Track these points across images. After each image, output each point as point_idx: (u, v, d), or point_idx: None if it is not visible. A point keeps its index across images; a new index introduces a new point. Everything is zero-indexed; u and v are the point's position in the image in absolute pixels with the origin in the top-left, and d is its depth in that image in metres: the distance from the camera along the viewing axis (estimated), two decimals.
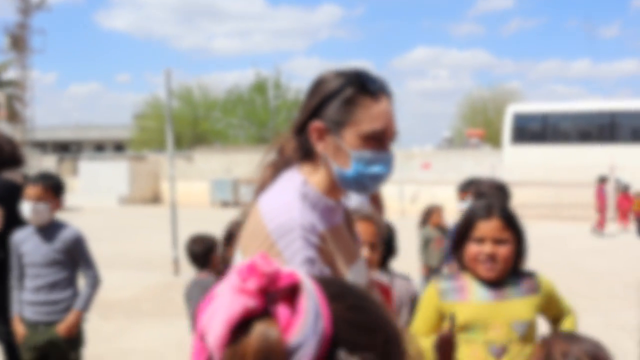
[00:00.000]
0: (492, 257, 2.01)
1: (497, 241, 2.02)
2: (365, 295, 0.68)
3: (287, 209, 1.34)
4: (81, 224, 11.06)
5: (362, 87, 1.39)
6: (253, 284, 0.59)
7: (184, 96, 34.97)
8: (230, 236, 2.97)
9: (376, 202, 4.14)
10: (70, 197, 22.83)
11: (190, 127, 34.04)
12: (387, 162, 1.41)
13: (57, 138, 47.66)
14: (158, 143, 34.10)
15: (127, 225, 15.75)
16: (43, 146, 44.22)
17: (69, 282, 3.31)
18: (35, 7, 30.91)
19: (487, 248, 2.01)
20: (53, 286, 3.24)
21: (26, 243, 3.27)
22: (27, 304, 3.27)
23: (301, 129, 1.43)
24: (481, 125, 35.17)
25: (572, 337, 1.58)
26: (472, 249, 2.05)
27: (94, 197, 22.69)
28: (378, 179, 1.41)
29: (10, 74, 34.49)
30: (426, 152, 24.35)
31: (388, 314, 0.68)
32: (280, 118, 33.88)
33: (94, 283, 3.33)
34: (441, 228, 5.76)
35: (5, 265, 3.45)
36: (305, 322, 0.58)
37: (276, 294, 0.60)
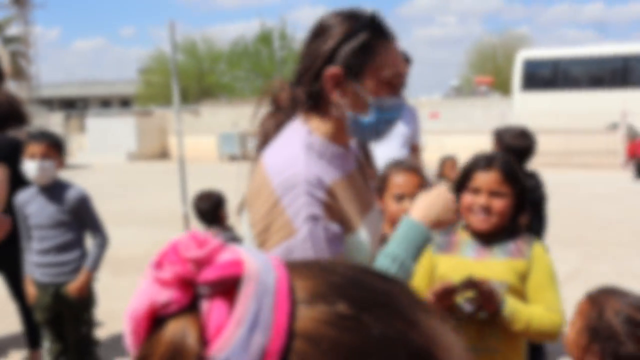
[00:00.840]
0: (486, 209, 1.97)
1: (494, 193, 1.98)
2: (374, 295, 0.46)
3: (291, 162, 1.29)
4: (91, 181, 11.09)
5: (379, 29, 1.34)
6: (168, 272, 0.44)
7: (189, 49, 34.56)
8: None
9: (416, 153, 4.14)
10: (80, 155, 22.92)
11: (196, 80, 33.77)
12: (400, 107, 1.39)
13: (63, 95, 47.48)
14: (164, 98, 33.92)
15: (136, 182, 15.80)
16: (49, 103, 44.11)
17: (77, 243, 3.29)
18: None
19: (481, 199, 1.98)
20: (61, 248, 3.22)
21: (31, 204, 3.23)
22: (35, 266, 3.26)
23: (313, 77, 1.34)
24: (490, 73, 34.67)
25: (619, 293, 1.49)
26: (467, 199, 2.01)
27: (103, 154, 22.73)
28: (393, 123, 1.40)
29: (13, 30, 34.16)
30: (434, 101, 24.10)
31: (412, 321, 0.45)
32: (287, 69, 33.49)
33: (102, 243, 3.31)
34: (451, 179, 5.70)
35: (14, 227, 3.45)
36: (235, 332, 0.42)
37: (211, 287, 0.44)
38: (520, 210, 2.03)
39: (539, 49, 22.00)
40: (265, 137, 1.43)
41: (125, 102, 45.58)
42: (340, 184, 1.33)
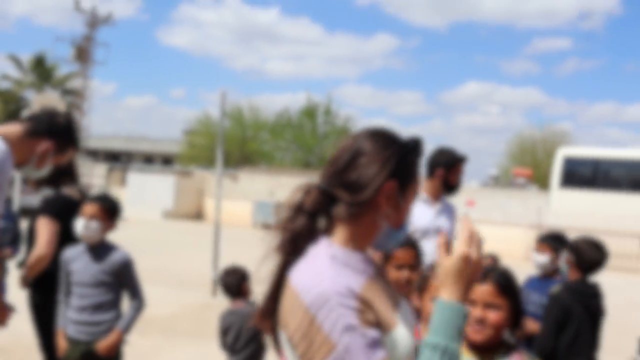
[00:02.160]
0: (480, 321, 1.98)
1: (488, 305, 2.00)
2: None
3: (319, 277, 1.33)
4: (126, 235, 11.28)
5: (419, 152, 1.47)
6: None
7: (235, 116, 35.57)
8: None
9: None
10: None
11: (238, 146, 34.55)
12: (408, 221, 1.50)
13: (108, 147, 49.01)
14: (205, 159, 34.70)
15: (170, 240, 16.02)
16: (95, 154, 45.51)
17: (113, 304, 3.39)
18: (102, 22, 32.17)
19: (476, 311, 2.00)
20: (97, 307, 3.32)
21: (76, 261, 3.37)
22: (70, 322, 3.36)
23: (373, 189, 1.40)
24: (529, 165, 34.58)
25: None
26: None
27: (140, 209, 23.17)
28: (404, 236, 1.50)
29: (72, 83, 35.86)
30: (471, 189, 24.07)
31: None
32: (328, 144, 34.06)
33: (139, 307, 3.43)
34: None
35: (54, 279, 3.58)
36: None
37: None
38: (517, 324, 2.05)
39: (580, 147, 22.01)
40: (293, 240, 1.45)
41: (167, 160, 46.73)
42: (369, 287, 1.37)
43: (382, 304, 1.38)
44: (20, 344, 5.08)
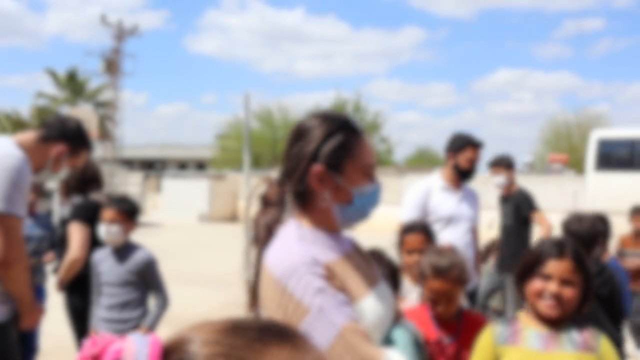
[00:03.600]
0: (557, 297, 1.96)
1: (565, 282, 1.97)
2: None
3: (287, 252, 1.43)
4: (163, 239, 11.51)
5: (352, 128, 1.54)
6: None
7: (264, 117, 35.83)
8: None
9: (475, 235, 4.20)
10: (154, 213, 23.85)
11: (270, 147, 34.80)
12: (379, 189, 1.56)
13: (143, 156, 49.88)
14: (238, 163, 35.01)
15: (206, 243, 16.27)
16: (130, 163, 46.38)
17: (140, 302, 3.52)
18: (128, 33, 32.75)
19: (552, 286, 1.96)
20: (125, 305, 3.46)
21: (103, 263, 3.52)
22: (100, 320, 3.51)
23: (299, 176, 1.51)
24: (565, 151, 33.96)
25: None
26: (536, 284, 2.00)
27: (176, 214, 23.56)
28: (376, 204, 1.57)
29: (104, 95, 36.63)
30: None
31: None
32: None
33: (163, 304, 3.55)
34: None
35: (88, 281, 3.73)
36: None
37: None
38: (586, 299, 2.02)
39: (615, 128, 21.53)
40: (263, 242, 1.56)
41: (201, 165, 47.33)
42: (338, 263, 1.46)
43: (351, 277, 1.46)
44: (62, 346, 5.26)
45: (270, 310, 1.40)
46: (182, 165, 49.63)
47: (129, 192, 24.01)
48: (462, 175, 3.96)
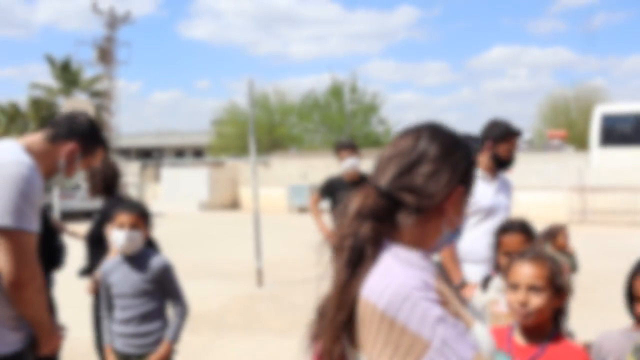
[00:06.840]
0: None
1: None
2: None
3: (389, 278, 1.18)
4: (164, 230, 11.35)
5: (472, 150, 1.42)
6: None
7: (261, 102, 35.53)
8: None
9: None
10: (154, 203, 23.67)
11: (267, 132, 34.54)
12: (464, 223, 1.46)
13: (140, 145, 49.57)
14: (236, 148, 34.80)
15: (209, 232, 16.11)
16: (127, 153, 46.08)
17: (159, 313, 3.24)
18: (121, 21, 32.31)
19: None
20: (143, 317, 3.18)
21: (114, 273, 3.23)
22: (117, 336, 3.23)
23: (433, 192, 1.30)
24: (563, 126, 33.79)
25: None
26: None
27: (176, 203, 23.40)
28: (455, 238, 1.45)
29: (99, 85, 36.24)
30: None
31: None
32: (357, 122, 33.80)
33: (183, 313, 3.26)
34: (566, 252, 5.11)
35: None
36: None
37: None
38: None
39: (618, 103, 21.33)
40: (358, 249, 1.26)
41: (198, 152, 47.06)
42: (439, 282, 1.24)
43: (454, 300, 1.25)
44: (82, 352, 5.10)
45: (375, 349, 1.16)
46: (179, 153, 49.33)
47: (127, 182, 23.80)
48: (500, 165, 3.79)
